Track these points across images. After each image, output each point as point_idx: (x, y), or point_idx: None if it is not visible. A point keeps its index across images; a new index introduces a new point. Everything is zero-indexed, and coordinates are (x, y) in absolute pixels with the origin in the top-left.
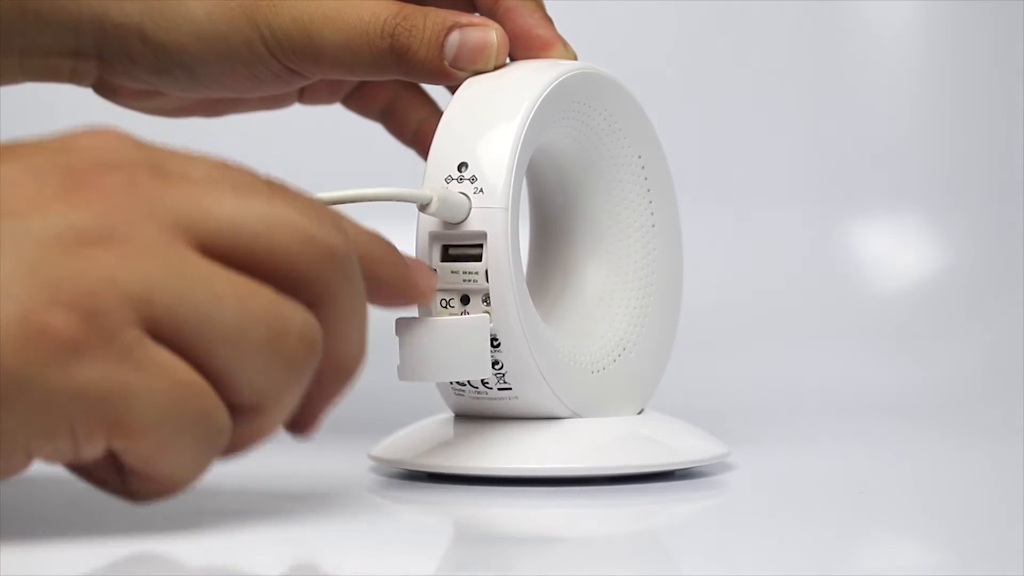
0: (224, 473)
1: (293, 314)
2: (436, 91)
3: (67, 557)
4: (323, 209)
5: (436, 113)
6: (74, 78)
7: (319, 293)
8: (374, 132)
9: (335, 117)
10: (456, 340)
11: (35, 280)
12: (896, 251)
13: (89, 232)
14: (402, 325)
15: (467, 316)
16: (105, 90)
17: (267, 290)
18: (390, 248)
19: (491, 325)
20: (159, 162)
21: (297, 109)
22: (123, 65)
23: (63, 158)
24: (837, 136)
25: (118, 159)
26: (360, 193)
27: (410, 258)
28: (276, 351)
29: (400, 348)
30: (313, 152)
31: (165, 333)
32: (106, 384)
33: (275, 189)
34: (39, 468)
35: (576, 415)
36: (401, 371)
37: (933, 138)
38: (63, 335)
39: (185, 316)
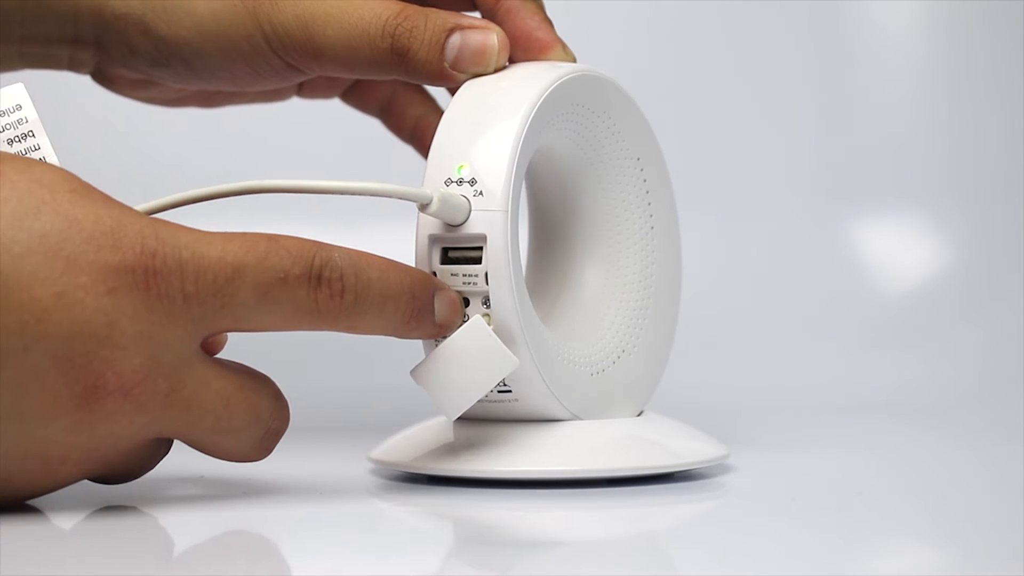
0: (224, 476)
1: None
2: (436, 90)
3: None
4: None
5: (434, 109)
6: (72, 66)
7: None
8: (373, 131)
9: (334, 114)
10: (465, 353)
11: None
12: (896, 251)
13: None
14: (416, 374)
15: (460, 328)
16: (103, 79)
17: None
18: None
19: (491, 327)
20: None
21: (297, 106)
22: (121, 55)
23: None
24: (837, 137)
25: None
26: (362, 186)
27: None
28: None
29: (430, 394)
30: (312, 150)
31: None
32: None
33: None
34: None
35: (575, 417)
36: (445, 413)
37: (933, 138)
38: None
39: None
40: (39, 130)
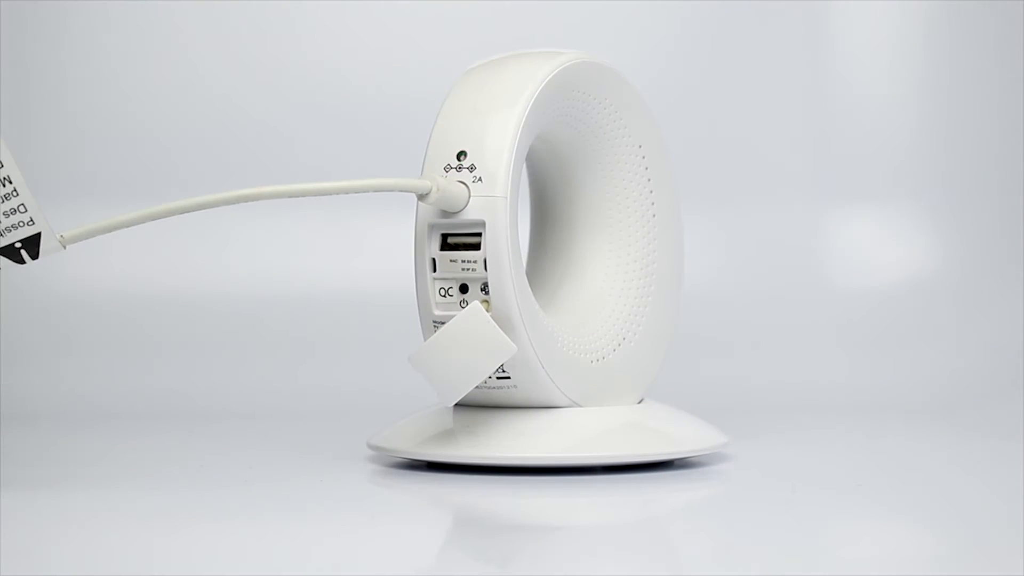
0: (224, 464)
1: None
2: (437, 83)
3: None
4: None
5: None
6: None
7: None
8: (373, 125)
9: (336, 110)
10: (463, 339)
11: None
12: (895, 251)
13: None
14: (414, 360)
15: (458, 314)
16: None
17: None
18: None
19: (489, 313)
20: None
21: (298, 102)
22: None
23: None
24: (836, 135)
25: None
26: (361, 184)
27: None
28: None
29: (428, 380)
30: (314, 144)
31: None
32: None
33: None
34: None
35: (575, 404)
36: (443, 398)
37: (933, 138)
38: None
39: None
40: (20, 184)
